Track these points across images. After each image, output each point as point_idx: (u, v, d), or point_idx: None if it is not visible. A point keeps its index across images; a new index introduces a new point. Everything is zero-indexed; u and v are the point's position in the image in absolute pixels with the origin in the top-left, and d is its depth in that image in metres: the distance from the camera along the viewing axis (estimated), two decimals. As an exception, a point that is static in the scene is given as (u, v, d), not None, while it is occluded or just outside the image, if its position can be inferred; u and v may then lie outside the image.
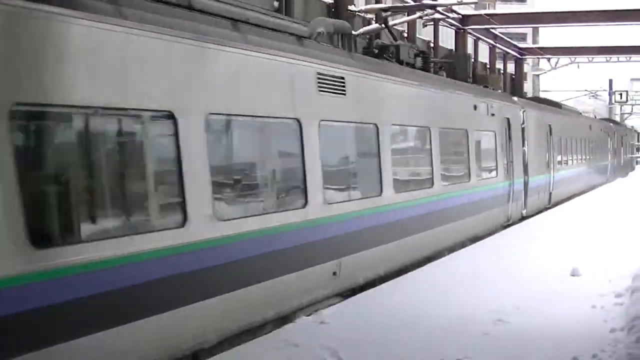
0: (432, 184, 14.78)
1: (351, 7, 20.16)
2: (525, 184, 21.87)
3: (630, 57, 44.03)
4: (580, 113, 35.94)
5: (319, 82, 10.90)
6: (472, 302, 10.95)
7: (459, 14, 29.07)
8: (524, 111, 22.23)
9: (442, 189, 15.30)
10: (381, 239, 12.50)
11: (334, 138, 11.44)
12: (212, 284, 8.31)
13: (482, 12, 32.37)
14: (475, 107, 17.87)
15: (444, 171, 15.49)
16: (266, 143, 9.98)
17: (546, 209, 24.84)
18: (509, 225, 20.14)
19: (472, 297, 11.36)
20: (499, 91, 23.72)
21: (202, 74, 8.48)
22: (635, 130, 69.09)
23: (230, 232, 8.60)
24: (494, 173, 18.98)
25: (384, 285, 12.25)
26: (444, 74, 18.15)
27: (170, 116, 7.87)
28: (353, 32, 19.79)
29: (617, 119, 69.83)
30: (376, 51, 15.02)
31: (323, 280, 10.72)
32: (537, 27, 60.12)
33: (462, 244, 16.72)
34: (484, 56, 36.10)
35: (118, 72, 7.30)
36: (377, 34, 22.19)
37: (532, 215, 22.66)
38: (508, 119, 20.32)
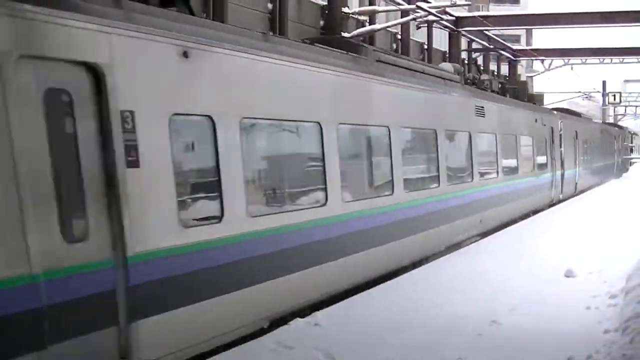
0: (518, 171, 22.14)
1: (345, 9, 20.14)
2: (562, 175, 28.36)
3: (623, 59, 44.09)
4: (591, 119, 42.87)
5: (476, 110, 18.30)
6: (466, 304, 10.94)
7: (452, 15, 29.08)
8: (560, 121, 28.68)
9: (525, 176, 22.83)
10: (443, 220, 15.49)
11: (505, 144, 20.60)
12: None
13: (476, 14, 32.41)
14: (536, 120, 24.71)
15: (526, 165, 23.13)
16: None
17: (573, 195, 30.79)
18: (552, 205, 26.88)
19: (467, 298, 11.35)
20: (543, 106, 31.39)
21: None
22: (630, 132, 69.25)
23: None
24: (546, 167, 25.83)
25: (378, 287, 12.24)
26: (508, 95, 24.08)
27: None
28: (346, 35, 19.84)
29: (611, 120, 69.97)
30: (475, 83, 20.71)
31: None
32: (531, 29, 60.24)
33: (527, 215, 23.44)
34: (477, 58, 36.16)
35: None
36: (370, 36, 22.20)
37: (565, 200, 29.03)
38: (552, 127, 26.89)
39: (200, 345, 8.22)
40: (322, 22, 20.10)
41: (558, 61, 43.62)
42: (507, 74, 41.66)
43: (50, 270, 6.30)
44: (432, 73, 15.95)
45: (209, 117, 8.49)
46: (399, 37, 25.55)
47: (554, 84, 66.42)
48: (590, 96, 68.47)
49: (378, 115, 12.82)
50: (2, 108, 6.05)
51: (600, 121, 56.35)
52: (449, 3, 23.55)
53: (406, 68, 14.50)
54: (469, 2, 27.34)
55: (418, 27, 26.70)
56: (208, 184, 8.65)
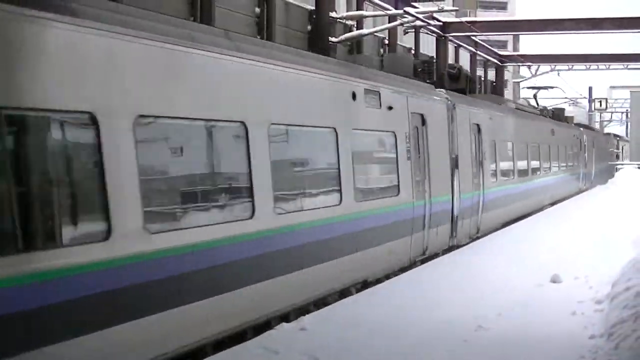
0: (550, 171, 29.27)
1: (332, 14, 20.16)
2: (585, 172, 38.33)
3: (609, 65, 44.31)
4: (599, 131, 55.55)
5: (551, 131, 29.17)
6: (453, 309, 10.95)
7: (440, 21, 29.14)
8: (584, 135, 38.75)
9: (570, 171, 33.92)
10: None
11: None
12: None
13: (463, 19, 32.49)
14: (575, 136, 35.88)
15: (571, 165, 33.64)
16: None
17: (590, 187, 39.32)
18: (581, 192, 35.82)
19: (454, 304, 11.36)
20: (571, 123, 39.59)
21: None
22: (616, 137, 69.55)
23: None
24: (578, 167, 36.03)
25: (364, 292, 12.23)
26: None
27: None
28: (334, 39, 19.86)
29: (597, 126, 70.26)
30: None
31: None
32: (518, 35, 60.44)
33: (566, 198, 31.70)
34: (465, 63, 36.27)
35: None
36: (358, 40, 22.22)
37: (588, 190, 38.02)
38: (580, 139, 37.04)
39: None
40: (309, 27, 20.11)
41: (545, 67, 43.81)
42: (494, 79, 41.78)
43: None
44: (531, 111, 29.74)
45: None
46: (387, 42, 25.57)
47: (541, 90, 66.52)
48: (577, 102, 68.77)
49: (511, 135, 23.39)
50: None
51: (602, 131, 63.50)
52: (436, 8, 23.61)
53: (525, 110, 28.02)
54: (457, 8, 27.43)
55: (405, 32, 26.73)
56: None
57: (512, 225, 22.20)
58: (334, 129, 11.84)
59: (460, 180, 17.47)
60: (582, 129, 39.55)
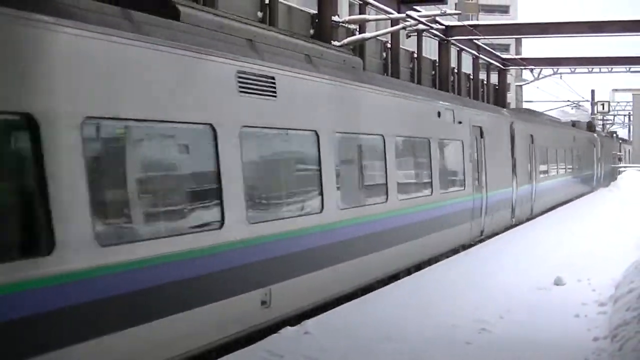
0: (575, 170, 35.11)
1: (335, 18, 20.17)
2: (601, 172, 44.55)
3: (612, 68, 44.24)
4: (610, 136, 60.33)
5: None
6: (456, 312, 10.96)
7: (442, 25, 29.15)
8: (599, 139, 45.42)
9: (587, 171, 38.60)
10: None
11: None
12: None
13: (466, 23, 32.47)
14: (589, 141, 41.56)
15: (585, 165, 38.57)
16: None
17: (601, 186, 43.11)
18: (596, 188, 41.35)
19: (457, 306, 11.37)
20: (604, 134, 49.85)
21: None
22: (619, 140, 69.53)
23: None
24: (592, 167, 41.24)
25: (368, 295, 12.24)
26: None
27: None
28: (336, 43, 19.88)
29: (599, 129, 70.22)
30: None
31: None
32: (520, 38, 60.41)
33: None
34: (467, 67, 36.22)
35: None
36: (360, 44, 22.24)
37: (604, 187, 43.18)
38: (594, 144, 42.59)
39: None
40: (312, 31, 20.12)
41: (547, 70, 43.77)
42: (497, 83, 41.75)
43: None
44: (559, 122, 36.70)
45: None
46: (389, 45, 25.58)
47: (543, 92, 66.54)
48: (580, 105, 68.72)
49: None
50: None
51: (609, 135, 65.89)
52: (438, 12, 23.62)
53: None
54: (459, 12, 27.42)
55: (408, 36, 26.74)
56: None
57: (514, 229, 22.22)
58: (428, 139, 15.64)
59: (518, 176, 22.56)
60: (595, 135, 45.78)
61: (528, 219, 23.85)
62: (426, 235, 15.10)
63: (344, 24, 20.97)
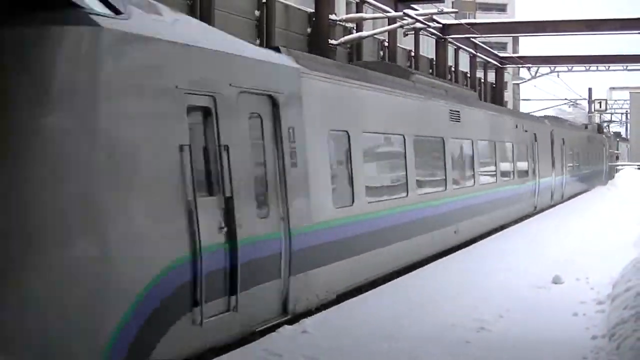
0: (589, 166, 39.66)
1: (332, 17, 20.16)
2: (608, 167, 48.81)
3: (609, 66, 44.29)
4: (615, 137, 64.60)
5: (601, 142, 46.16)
6: (455, 311, 10.95)
7: (439, 23, 29.15)
8: (607, 139, 50.78)
9: (592, 167, 41.01)
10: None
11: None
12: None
13: (463, 21, 32.49)
14: (600, 141, 46.01)
15: (594, 161, 41.92)
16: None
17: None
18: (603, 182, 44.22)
19: (455, 305, 11.36)
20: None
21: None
22: (616, 139, 69.64)
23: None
24: (601, 163, 45.52)
25: (367, 293, 12.24)
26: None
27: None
28: (333, 42, 19.86)
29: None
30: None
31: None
32: (517, 37, 60.43)
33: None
34: (464, 65, 36.24)
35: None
36: (357, 43, 22.23)
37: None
38: (603, 144, 47.04)
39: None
40: (309, 30, 20.11)
41: (544, 68, 43.81)
42: (494, 81, 41.77)
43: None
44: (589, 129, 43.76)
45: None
46: (386, 44, 25.58)
47: (541, 91, 66.51)
48: (577, 103, 68.77)
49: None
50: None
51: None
52: (436, 11, 23.63)
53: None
54: (456, 10, 27.44)
55: (405, 35, 26.74)
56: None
57: (511, 227, 22.26)
58: (512, 143, 23.16)
59: (555, 169, 29.18)
60: (604, 136, 50.41)
61: (560, 202, 30.21)
62: (511, 206, 22.56)
63: (341, 23, 20.96)
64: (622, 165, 55.14)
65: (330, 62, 13.69)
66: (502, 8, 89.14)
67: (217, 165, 8.41)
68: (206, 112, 8.38)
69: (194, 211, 7.79)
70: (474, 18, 54.16)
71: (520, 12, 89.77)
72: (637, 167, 50.49)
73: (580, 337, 9.62)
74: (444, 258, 16.12)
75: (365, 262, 12.41)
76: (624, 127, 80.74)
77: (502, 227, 21.22)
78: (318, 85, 11.11)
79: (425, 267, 14.91)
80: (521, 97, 63.38)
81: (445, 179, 16.48)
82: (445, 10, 23.77)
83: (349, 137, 12.09)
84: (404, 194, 14.17)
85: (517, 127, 23.91)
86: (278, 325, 9.61)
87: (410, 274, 14.08)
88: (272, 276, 9.50)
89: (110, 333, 6.79)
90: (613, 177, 48.07)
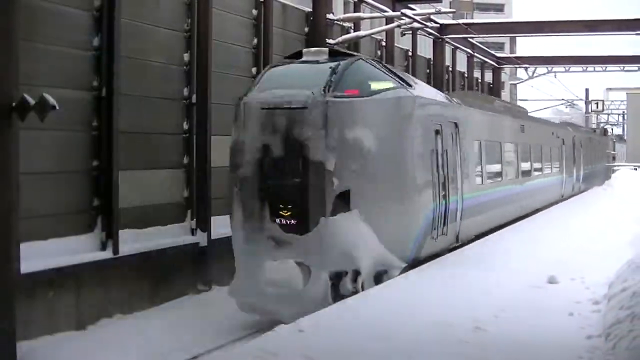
0: (598, 163, 46.08)
1: (330, 16, 20.17)
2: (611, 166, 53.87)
3: (606, 67, 44.35)
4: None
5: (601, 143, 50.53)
6: (451, 310, 10.95)
7: (437, 23, 29.18)
8: (613, 141, 61.13)
9: (596, 165, 44.60)
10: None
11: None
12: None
13: (460, 21, 32.50)
14: (607, 144, 53.80)
15: (593, 162, 44.30)
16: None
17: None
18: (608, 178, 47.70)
19: (451, 304, 11.36)
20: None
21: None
22: (612, 139, 69.70)
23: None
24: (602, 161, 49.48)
25: (364, 292, 12.24)
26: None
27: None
28: (331, 41, 19.86)
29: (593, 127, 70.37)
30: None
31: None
32: (514, 37, 60.47)
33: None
34: (462, 65, 36.26)
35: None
36: (355, 42, 22.24)
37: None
38: (608, 144, 54.21)
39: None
40: (306, 29, 20.12)
41: (541, 69, 43.84)
42: (491, 81, 41.80)
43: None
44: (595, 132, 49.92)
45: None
46: (384, 44, 25.60)
47: (538, 91, 66.59)
48: (574, 104, 68.82)
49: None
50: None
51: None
52: (433, 10, 23.65)
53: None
54: (454, 10, 27.44)
55: (403, 34, 26.76)
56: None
57: (509, 227, 22.26)
58: (550, 147, 29.15)
59: (575, 166, 35.17)
60: (608, 138, 56.87)
61: (578, 194, 35.54)
62: (549, 193, 29.12)
63: (338, 22, 20.96)
64: (618, 165, 55.11)
65: (462, 94, 24.36)
66: (499, 8, 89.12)
67: (443, 159, 15.50)
68: (437, 133, 15.29)
69: (436, 183, 15.00)
70: (472, 18, 54.13)
71: (517, 12, 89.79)
72: (633, 167, 50.47)
73: (576, 337, 9.62)
74: (439, 258, 16.13)
75: (486, 219, 19.40)
76: (621, 127, 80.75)
77: (537, 210, 26.83)
78: (466, 112, 18.27)
79: (422, 266, 14.92)
80: (518, 98, 63.44)
81: (517, 171, 23.68)
82: (443, 10, 23.78)
83: (480, 143, 19.03)
84: (500, 179, 21.31)
85: (552, 134, 30.60)
86: (351, 292, 12.58)
87: (406, 273, 14.09)
88: (454, 219, 16.48)
89: (412, 241, 14.09)
90: (610, 177, 47.97)
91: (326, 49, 14.12)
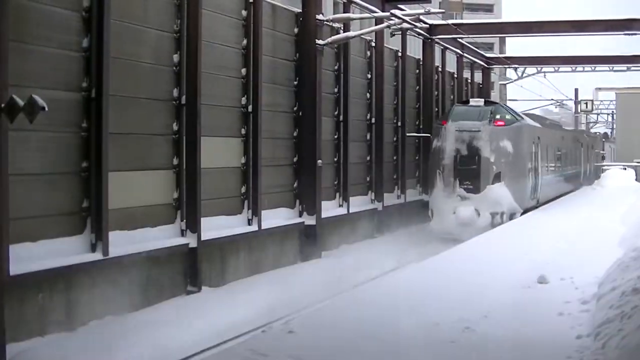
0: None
1: (319, 17, 20.16)
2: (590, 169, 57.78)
3: (595, 67, 44.48)
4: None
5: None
6: (440, 310, 10.98)
7: (426, 23, 29.19)
8: (604, 142, 64.95)
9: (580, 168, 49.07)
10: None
11: None
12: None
13: (450, 21, 32.52)
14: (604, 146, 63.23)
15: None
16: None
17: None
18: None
19: (440, 305, 11.39)
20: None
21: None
22: (602, 139, 69.92)
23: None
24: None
25: (352, 292, 12.26)
26: None
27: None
28: (320, 42, 19.86)
29: (583, 127, 70.53)
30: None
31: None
32: (504, 37, 60.55)
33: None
34: (451, 65, 36.27)
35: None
36: (345, 43, 22.24)
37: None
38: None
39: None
40: (296, 30, 20.10)
41: (531, 69, 43.91)
42: (481, 82, 41.84)
43: None
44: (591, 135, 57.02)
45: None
46: (373, 44, 25.59)
47: (527, 91, 66.70)
48: (563, 104, 68.96)
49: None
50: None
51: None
52: (423, 11, 23.63)
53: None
54: (443, 10, 27.44)
55: (392, 35, 26.74)
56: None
57: (501, 226, 22.31)
58: (573, 149, 39.85)
59: (587, 163, 45.17)
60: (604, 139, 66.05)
61: (588, 184, 43.16)
62: (575, 181, 39.22)
63: (328, 23, 20.94)
64: (607, 165, 55.28)
65: (533, 115, 34.47)
66: (489, 9, 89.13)
67: (535, 157, 27.44)
68: (533, 142, 27.08)
69: (532, 170, 27.06)
70: (461, 18, 54.22)
71: (507, 12, 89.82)
72: (622, 167, 50.59)
73: (565, 337, 9.66)
74: (431, 258, 16.16)
75: (549, 191, 30.00)
76: (610, 127, 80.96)
77: (569, 192, 37.07)
78: (542, 130, 29.55)
79: (408, 265, 14.94)
80: (508, 98, 63.48)
81: (563, 164, 34.55)
82: (432, 10, 23.74)
83: (547, 147, 29.08)
84: (554, 169, 31.79)
85: (576, 140, 41.80)
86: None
87: (393, 272, 14.12)
88: (537, 190, 27.93)
89: (525, 199, 26.16)
90: (599, 176, 48.07)
91: (482, 100, 27.86)
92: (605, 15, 32.86)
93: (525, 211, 25.26)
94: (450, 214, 23.90)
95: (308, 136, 19.79)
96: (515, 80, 47.29)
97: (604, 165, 54.23)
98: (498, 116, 25.10)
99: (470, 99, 28.29)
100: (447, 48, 33.91)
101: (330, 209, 20.97)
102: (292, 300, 13.81)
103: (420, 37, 30.67)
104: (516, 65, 43.10)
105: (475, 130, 24.42)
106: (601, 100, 78.12)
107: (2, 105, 8.91)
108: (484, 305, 11.38)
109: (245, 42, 17.51)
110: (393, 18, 22.76)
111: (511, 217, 24.24)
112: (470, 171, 24.15)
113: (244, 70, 17.46)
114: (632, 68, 42.48)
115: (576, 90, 63.99)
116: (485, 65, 40.94)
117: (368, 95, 25.30)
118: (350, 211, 22.37)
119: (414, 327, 10.03)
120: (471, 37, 34.48)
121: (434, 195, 24.55)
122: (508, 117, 25.74)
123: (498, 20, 47.85)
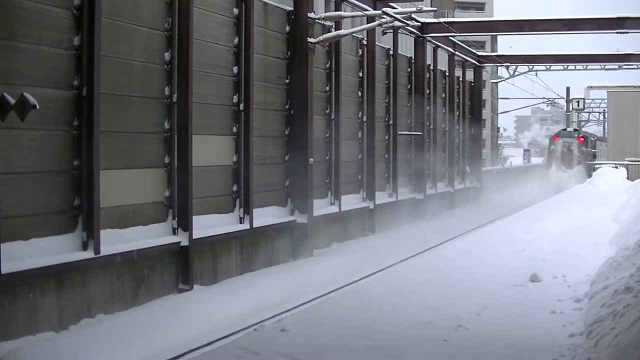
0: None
1: (311, 15, 20.14)
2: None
3: (587, 66, 44.59)
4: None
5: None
6: (432, 309, 10.98)
7: (418, 22, 29.20)
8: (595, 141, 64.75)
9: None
10: None
11: None
12: None
13: (442, 20, 32.54)
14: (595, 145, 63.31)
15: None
16: None
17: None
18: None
19: (433, 303, 11.39)
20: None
21: None
22: (593, 138, 70.11)
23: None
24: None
25: (345, 289, 12.25)
26: None
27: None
28: (312, 40, 19.84)
29: (575, 126, 70.69)
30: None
31: None
32: (495, 35, 60.69)
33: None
34: (443, 64, 36.30)
35: None
36: (336, 41, 22.22)
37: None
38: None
39: None
40: (288, 28, 20.08)
41: (522, 67, 43.96)
42: (472, 80, 41.88)
43: None
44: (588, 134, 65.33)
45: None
46: (365, 42, 25.59)
47: (519, 89, 66.84)
48: (555, 102, 69.11)
49: None
50: None
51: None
52: (414, 9, 23.63)
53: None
54: (435, 9, 27.43)
55: (384, 33, 26.74)
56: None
57: (492, 223, 22.31)
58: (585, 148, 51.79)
59: (597, 159, 51.70)
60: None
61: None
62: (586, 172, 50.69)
63: (320, 21, 20.92)
64: (599, 164, 55.47)
65: (590, 133, 56.36)
66: (480, 7, 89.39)
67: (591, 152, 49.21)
68: (591, 144, 52.07)
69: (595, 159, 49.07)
70: (453, 17, 54.26)
71: (498, 11, 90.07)
72: (614, 165, 50.75)
73: (558, 335, 9.67)
74: (419, 254, 16.16)
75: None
76: (602, 126, 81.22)
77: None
78: (592, 136, 54.05)
79: (401, 263, 14.95)
80: (499, 96, 63.67)
81: (597, 158, 48.31)
82: (424, 8, 23.73)
83: (594, 146, 49.45)
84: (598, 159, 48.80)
85: (595, 140, 53.28)
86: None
87: (387, 270, 14.11)
88: (593, 169, 45.66)
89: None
90: (591, 175, 48.23)
91: (572, 128, 51.23)
92: (597, 14, 32.91)
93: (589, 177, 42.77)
94: (558, 178, 44.99)
95: (299, 134, 19.77)
96: (507, 78, 47.40)
97: (595, 164, 54.41)
98: (578, 134, 48.19)
99: (567, 128, 51.24)
100: (438, 46, 33.93)
101: (322, 207, 20.97)
102: (284, 298, 13.80)
103: (411, 35, 30.68)
104: (508, 64, 43.16)
105: (570, 142, 46.80)
106: (593, 99, 78.35)
107: (-7, 103, 8.88)
108: (476, 303, 11.38)
109: (236, 40, 17.48)
110: (385, 16, 22.75)
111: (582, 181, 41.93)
112: (568, 158, 46.51)
113: (235, 69, 17.43)
114: (624, 67, 42.61)
115: (568, 88, 64.00)
116: (477, 64, 40.98)
117: (360, 93, 25.29)
118: (342, 209, 22.36)
119: (406, 325, 10.02)
120: (463, 36, 34.49)
121: (551, 170, 46.80)
122: (583, 136, 48.12)
123: (490, 19, 47.90)
